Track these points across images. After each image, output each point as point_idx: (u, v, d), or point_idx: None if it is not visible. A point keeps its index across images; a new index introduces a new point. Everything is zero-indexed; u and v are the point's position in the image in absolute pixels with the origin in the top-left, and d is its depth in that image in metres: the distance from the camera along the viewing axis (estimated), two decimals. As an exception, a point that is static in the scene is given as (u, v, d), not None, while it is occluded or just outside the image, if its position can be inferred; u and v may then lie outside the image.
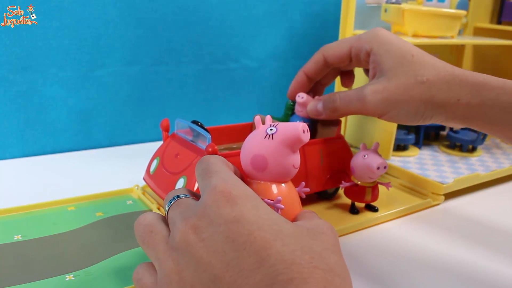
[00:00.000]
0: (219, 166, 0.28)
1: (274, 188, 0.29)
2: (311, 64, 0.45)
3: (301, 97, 0.50)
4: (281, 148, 0.29)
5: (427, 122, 0.40)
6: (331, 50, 0.44)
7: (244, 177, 0.31)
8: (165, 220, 0.28)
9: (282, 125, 0.29)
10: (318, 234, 0.24)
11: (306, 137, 0.29)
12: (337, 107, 0.42)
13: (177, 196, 0.28)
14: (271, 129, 0.29)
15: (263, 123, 0.31)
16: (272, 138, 0.29)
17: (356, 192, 0.44)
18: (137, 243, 0.37)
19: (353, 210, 0.45)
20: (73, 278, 0.32)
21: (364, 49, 0.41)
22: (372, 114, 0.40)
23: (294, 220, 0.29)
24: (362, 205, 0.46)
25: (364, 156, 0.42)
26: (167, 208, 0.28)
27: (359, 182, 0.44)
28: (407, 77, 0.38)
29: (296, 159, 0.30)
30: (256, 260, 0.22)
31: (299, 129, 0.28)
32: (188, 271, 0.23)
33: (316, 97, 0.45)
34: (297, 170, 0.30)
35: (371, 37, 0.41)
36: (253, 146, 0.29)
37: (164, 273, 0.24)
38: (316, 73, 0.46)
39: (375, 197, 0.44)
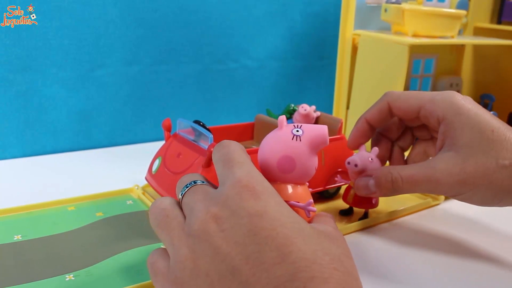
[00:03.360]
0: (242, 156, 0.27)
1: (294, 189, 0.29)
2: (374, 111, 0.41)
3: (304, 109, 0.50)
4: (307, 150, 0.29)
5: (503, 206, 0.36)
6: (398, 102, 0.39)
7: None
8: (180, 205, 0.27)
9: (307, 126, 0.29)
10: (333, 239, 0.25)
11: (328, 140, 0.29)
12: (399, 188, 0.37)
13: (194, 182, 0.28)
14: (297, 130, 0.29)
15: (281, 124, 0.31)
16: (300, 140, 0.29)
17: (364, 198, 0.42)
18: (137, 243, 0.37)
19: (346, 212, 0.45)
20: (73, 278, 0.32)
21: (436, 115, 0.36)
22: (443, 194, 0.37)
23: (310, 220, 0.29)
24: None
25: (371, 159, 0.40)
26: (182, 193, 0.27)
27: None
28: (486, 159, 0.33)
29: (316, 161, 0.30)
30: (277, 255, 0.22)
31: (326, 132, 0.29)
32: (204, 260, 0.23)
33: (362, 173, 0.40)
34: (315, 171, 0.30)
35: (446, 103, 0.36)
36: (280, 147, 0.29)
37: (178, 259, 0.24)
38: (379, 122, 0.41)
39: (377, 202, 0.44)
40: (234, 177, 0.25)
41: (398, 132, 0.43)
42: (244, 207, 0.24)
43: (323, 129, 0.29)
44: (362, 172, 0.40)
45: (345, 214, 0.45)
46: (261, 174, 0.26)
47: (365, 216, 0.44)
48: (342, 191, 0.49)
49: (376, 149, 0.41)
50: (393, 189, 0.37)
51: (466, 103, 0.36)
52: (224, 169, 0.27)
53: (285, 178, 0.29)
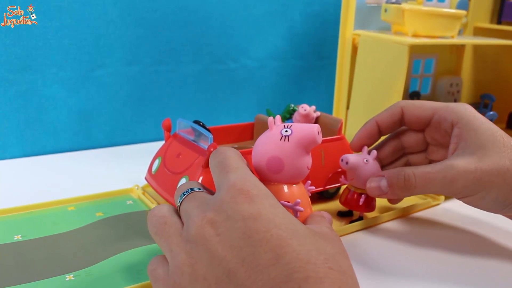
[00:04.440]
0: (237, 161, 0.28)
1: (288, 189, 0.29)
2: (386, 115, 0.41)
3: (304, 109, 0.50)
4: (296, 150, 0.29)
5: (509, 214, 0.37)
6: (412, 108, 0.40)
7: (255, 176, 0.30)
8: (178, 213, 0.28)
9: (296, 126, 0.29)
10: (329, 239, 0.25)
11: (320, 138, 0.29)
12: (412, 186, 0.36)
13: (191, 189, 0.28)
14: (286, 131, 0.29)
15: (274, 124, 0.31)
16: (288, 140, 0.29)
17: (366, 201, 0.42)
18: (137, 243, 0.37)
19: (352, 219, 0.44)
20: (73, 278, 0.32)
21: (450, 119, 0.38)
22: (456, 195, 0.37)
23: (304, 220, 0.29)
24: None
25: (366, 161, 0.40)
26: (180, 200, 0.28)
27: (352, 188, 0.42)
28: (500, 159, 0.35)
29: (309, 160, 0.30)
30: (272, 257, 0.22)
31: (315, 131, 0.29)
32: (202, 264, 0.23)
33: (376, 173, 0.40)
34: (309, 170, 0.30)
35: (460, 109, 0.38)
36: (269, 147, 0.29)
37: (176, 264, 0.24)
38: (389, 126, 0.41)
39: (374, 205, 0.43)
40: (229, 182, 0.26)
41: (394, 157, 0.44)
42: (238, 210, 0.24)
43: (312, 128, 0.29)
44: (353, 171, 0.40)
45: (343, 215, 0.45)
46: (255, 177, 0.27)
47: (359, 218, 0.43)
48: (342, 191, 0.49)
49: (374, 152, 0.41)
50: (406, 187, 0.37)
51: (477, 113, 0.38)
52: (219, 175, 0.27)
53: (276, 178, 0.29)
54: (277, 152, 0.29)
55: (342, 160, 0.40)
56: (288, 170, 0.29)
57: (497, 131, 0.36)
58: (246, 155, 0.31)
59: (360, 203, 0.42)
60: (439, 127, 0.39)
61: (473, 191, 0.35)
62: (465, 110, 0.38)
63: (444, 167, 0.36)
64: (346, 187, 0.43)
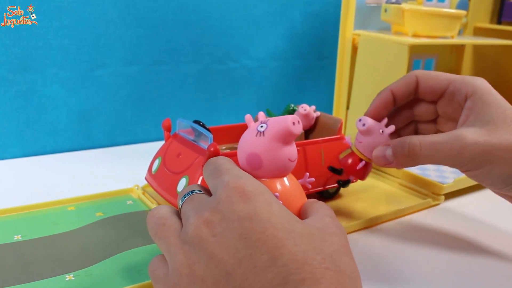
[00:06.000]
0: (229, 164, 0.28)
1: (275, 184, 0.29)
2: (402, 84, 0.40)
3: (304, 109, 0.50)
4: (273, 144, 0.28)
5: (510, 193, 0.37)
6: (427, 77, 0.40)
7: None
8: (178, 214, 0.28)
9: (272, 120, 0.29)
10: (328, 235, 0.24)
11: (297, 129, 0.28)
12: (417, 155, 0.36)
13: (192, 192, 0.28)
14: (261, 126, 0.29)
15: (255, 120, 0.31)
16: (263, 135, 0.29)
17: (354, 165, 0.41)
18: (137, 243, 0.37)
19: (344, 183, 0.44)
20: (73, 278, 0.32)
21: (465, 91, 0.37)
22: (462, 167, 0.36)
23: (299, 211, 0.29)
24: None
25: (381, 132, 0.39)
26: (181, 203, 0.28)
27: (355, 150, 0.41)
28: (510, 135, 0.34)
29: (290, 152, 0.29)
30: (268, 259, 0.22)
31: (289, 121, 0.28)
32: (200, 265, 0.23)
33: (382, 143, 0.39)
34: (294, 162, 0.30)
35: (476, 82, 0.37)
36: (246, 145, 0.29)
37: (175, 266, 0.24)
38: (404, 96, 0.40)
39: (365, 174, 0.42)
40: (223, 183, 0.26)
41: (402, 123, 0.43)
42: (234, 210, 0.24)
43: (285, 120, 0.28)
44: (365, 136, 0.40)
45: (334, 171, 0.44)
46: (249, 175, 0.27)
47: (347, 181, 0.43)
48: (342, 191, 0.49)
49: (392, 127, 0.40)
50: (410, 156, 0.36)
51: (491, 87, 0.38)
52: (214, 180, 0.27)
53: (258, 174, 0.29)
54: (253, 149, 0.29)
55: (360, 120, 0.40)
56: (267, 165, 0.29)
57: (508, 109, 0.36)
58: (233, 156, 0.31)
59: (358, 168, 0.41)
60: (452, 99, 0.39)
61: (479, 164, 0.35)
62: (481, 83, 0.37)
63: (452, 137, 0.35)
64: (351, 148, 0.42)
